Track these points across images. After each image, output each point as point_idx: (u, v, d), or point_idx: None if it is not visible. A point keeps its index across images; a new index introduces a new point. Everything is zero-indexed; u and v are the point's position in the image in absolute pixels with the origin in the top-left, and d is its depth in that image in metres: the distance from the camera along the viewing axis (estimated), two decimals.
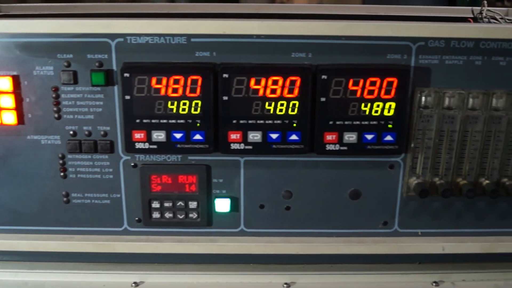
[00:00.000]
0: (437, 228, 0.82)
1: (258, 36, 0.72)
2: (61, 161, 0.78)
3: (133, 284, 0.84)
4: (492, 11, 0.96)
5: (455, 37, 0.74)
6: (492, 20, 0.95)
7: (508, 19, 0.96)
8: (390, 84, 0.73)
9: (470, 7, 0.99)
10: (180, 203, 0.79)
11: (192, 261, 0.87)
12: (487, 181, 0.79)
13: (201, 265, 0.87)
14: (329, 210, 0.81)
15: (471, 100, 0.76)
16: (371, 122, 0.75)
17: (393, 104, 0.74)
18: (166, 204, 0.79)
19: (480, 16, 0.99)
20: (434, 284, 0.86)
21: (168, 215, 0.80)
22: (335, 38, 0.73)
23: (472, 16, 1.00)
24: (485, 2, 0.96)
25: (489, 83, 0.76)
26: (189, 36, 0.73)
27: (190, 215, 0.80)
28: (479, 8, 0.96)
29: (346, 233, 0.82)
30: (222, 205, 0.79)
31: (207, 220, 0.80)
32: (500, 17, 0.97)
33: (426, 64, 0.74)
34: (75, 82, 0.74)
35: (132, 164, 0.78)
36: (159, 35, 0.72)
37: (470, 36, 0.73)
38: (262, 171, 0.78)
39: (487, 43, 0.74)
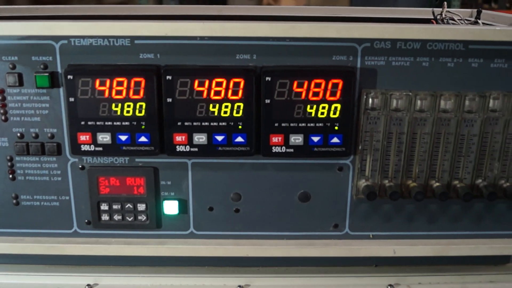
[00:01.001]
0: (389, 231, 0.81)
1: (202, 38, 0.72)
2: (9, 163, 0.78)
3: (87, 286, 0.84)
4: (451, 13, 0.96)
5: (401, 38, 0.73)
6: (450, 21, 0.95)
7: (467, 20, 0.96)
8: (335, 85, 0.73)
9: (432, 9, 0.98)
10: (129, 205, 0.79)
11: (147, 264, 0.87)
12: (437, 184, 0.78)
13: (156, 268, 0.87)
14: (279, 212, 0.80)
15: (418, 102, 0.75)
16: (317, 124, 0.74)
17: (339, 106, 0.74)
18: (115, 207, 0.79)
19: (441, 18, 0.98)
20: (389, 287, 0.85)
21: (117, 217, 0.80)
22: (280, 39, 0.72)
23: (433, 17, 0.99)
24: (445, 3, 0.96)
25: (437, 85, 0.75)
26: (132, 38, 0.72)
27: (139, 218, 0.79)
28: (440, 9, 0.96)
29: (297, 235, 0.81)
30: (170, 207, 0.79)
31: (156, 222, 0.80)
32: (459, 18, 0.96)
33: (373, 66, 0.74)
34: (21, 84, 0.74)
35: (80, 166, 0.78)
36: (103, 37, 0.72)
37: (415, 37, 0.73)
38: (210, 173, 0.78)
39: (434, 44, 0.73)
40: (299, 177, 0.78)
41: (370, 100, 0.75)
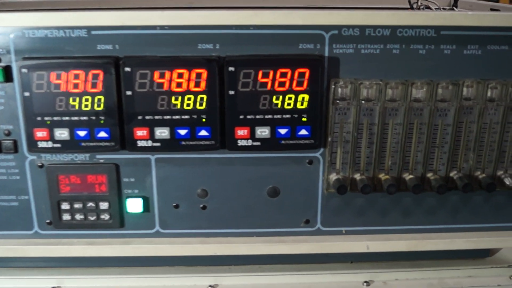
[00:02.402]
0: (362, 226, 0.78)
1: (162, 27, 0.69)
2: None
3: None
4: (428, 1, 0.93)
5: (370, 25, 0.70)
6: (426, 10, 0.92)
7: (443, 8, 0.93)
8: (302, 75, 0.70)
9: None
10: (91, 204, 0.76)
11: (113, 264, 0.83)
12: (410, 176, 0.75)
13: (123, 268, 0.84)
14: (247, 208, 0.77)
15: (389, 91, 0.72)
16: (284, 116, 0.71)
17: (306, 97, 0.70)
18: (76, 206, 0.76)
19: (417, 6, 0.96)
20: (365, 284, 0.82)
21: (79, 216, 0.76)
22: (243, 27, 0.69)
23: (409, 6, 0.97)
24: None
25: (409, 73, 0.72)
26: (89, 29, 0.69)
27: (102, 217, 0.76)
28: None
29: (266, 232, 0.78)
30: (134, 205, 0.76)
31: (120, 221, 0.77)
32: (436, 7, 0.93)
33: (341, 54, 0.71)
34: None
35: (39, 164, 0.74)
36: (58, 28, 0.69)
37: (385, 23, 0.70)
38: (175, 169, 0.75)
39: (405, 30, 0.71)
40: (267, 172, 0.75)
41: (339, 89, 0.72)
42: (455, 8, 0.94)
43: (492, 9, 0.92)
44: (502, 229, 0.80)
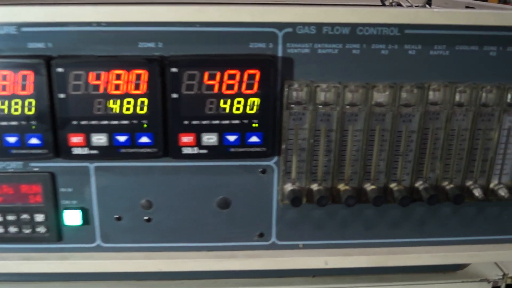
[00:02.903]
0: (321, 240, 0.73)
1: (99, 24, 0.62)
2: None
3: None
4: None
5: (327, 22, 0.64)
6: (397, 7, 0.86)
7: (416, 6, 0.87)
8: (252, 77, 0.64)
9: None
10: (25, 216, 0.69)
11: (54, 278, 0.77)
12: (372, 187, 0.70)
13: (65, 283, 0.77)
14: (196, 221, 0.71)
15: (349, 95, 0.66)
16: (233, 121, 0.65)
17: (257, 100, 0.64)
18: (10, 218, 0.69)
19: (389, 3, 0.90)
20: None
21: (12, 229, 0.70)
22: (188, 25, 0.63)
23: (380, 3, 0.91)
24: None
25: (370, 75, 0.66)
26: (19, 25, 0.62)
27: (38, 229, 0.70)
28: None
29: (217, 246, 0.72)
30: (72, 217, 0.70)
31: (57, 234, 0.70)
32: (408, 5, 0.88)
33: (296, 54, 0.65)
34: None
35: None
36: None
37: (343, 20, 0.64)
38: (116, 179, 0.69)
39: (365, 29, 0.65)
40: (217, 181, 0.69)
41: (294, 93, 0.66)
42: (428, 5, 0.88)
43: (467, 7, 0.86)
44: (472, 243, 0.75)
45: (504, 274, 0.82)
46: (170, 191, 0.69)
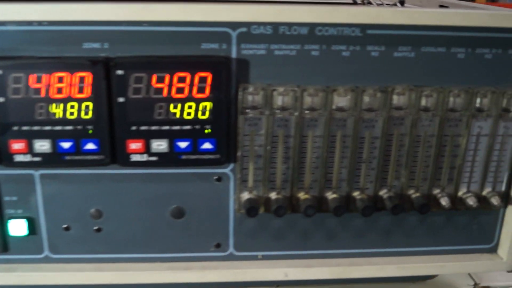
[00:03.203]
0: (280, 250, 0.69)
1: (40, 23, 0.58)
2: None
3: None
4: None
5: (284, 22, 0.60)
6: (367, 5, 0.82)
7: (387, 4, 0.83)
8: (203, 80, 0.60)
9: None
10: None
11: None
12: (334, 195, 0.66)
13: None
14: (149, 231, 0.67)
15: (308, 99, 0.63)
16: (184, 127, 0.61)
17: (209, 105, 0.61)
18: None
19: (361, 2, 0.86)
20: None
21: None
22: (135, 24, 0.59)
23: (352, 2, 0.87)
24: None
25: (330, 78, 0.62)
26: None
27: None
28: None
29: (172, 258, 0.68)
30: (17, 227, 0.66)
31: (2, 245, 0.66)
32: (379, 2, 0.84)
33: (251, 55, 0.61)
34: None
35: None
36: None
37: (301, 20, 0.60)
38: (63, 187, 0.65)
39: (325, 29, 0.61)
40: (170, 190, 0.66)
41: (249, 97, 0.62)
42: (400, 4, 0.84)
43: (441, 6, 0.83)
44: (439, 253, 0.71)
45: (475, 284, 0.79)
46: (120, 200, 0.66)
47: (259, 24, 0.60)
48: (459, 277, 0.79)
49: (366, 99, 0.63)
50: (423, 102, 0.64)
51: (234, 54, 0.61)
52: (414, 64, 0.63)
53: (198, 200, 0.66)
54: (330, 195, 0.66)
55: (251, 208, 0.63)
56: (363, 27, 0.61)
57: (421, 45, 0.62)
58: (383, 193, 0.67)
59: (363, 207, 0.65)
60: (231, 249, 0.69)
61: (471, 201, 0.67)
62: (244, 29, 0.60)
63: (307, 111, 0.63)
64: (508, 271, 0.76)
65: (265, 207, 0.66)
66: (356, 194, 0.67)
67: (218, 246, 0.69)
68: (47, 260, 0.68)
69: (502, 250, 0.72)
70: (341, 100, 0.63)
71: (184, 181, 0.65)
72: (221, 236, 0.68)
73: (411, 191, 0.67)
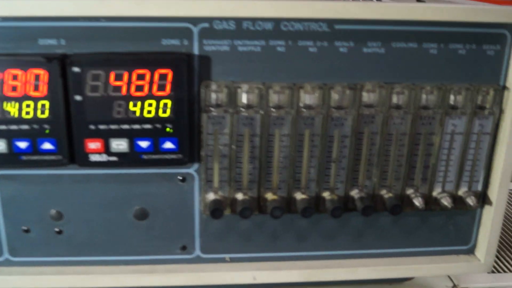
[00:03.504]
0: (249, 253, 0.67)
1: None
2: None
3: None
4: None
5: (248, 17, 0.58)
6: None
7: None
8: (163, 77, 0.57)
9: None
10: None
11: None
12: (302, 196, 0.64)
13: None
14: (112, 233, 0.65)
15: (274, 96, 0.60)
16: (144, 126, 0.59)
17: (170, 103, 0.58)
18: None
19: None
20: None
21: None
22: (92, 19, 0.57)
23: None
24: None
25: (297, 75, 0.60)
26: None
27: None
28: None
29: (136, 260, 0.66)
30: None
31: None
32: None
33: (214, 52, 0.59)
34: None
35: None
36: None
37: (265, 15, 0.58)
38: (22, 188, 0.63)
39: (291, 24, 0.58)
40: (132, 191, 0.63)
41: (213, 94, 0.59)
42: None
43: (418, 0, 0.80)
44: (414, 255, 0.69)
45: (454, 285, 0.77)
46: (81, 201, 0.63)
47: (222, 19, 0.58)
48: (437, 278, 0.77)
49: (335, 96, 0.61)
50: (395, 99, 0.62)
51: (196, 51, 0.59)
52: (384, 60, 0.61)
53: (162, 201, 0.64)
54: (299, 196, 0.64)
55: (215, 210, 0.61)
56: (331, 22, 0.59)
57: (392, 40, 0.60)
58: (354, 193, 0.65)
59: (333, 208, 0.62)
60: (197, 252, 0.67)
61: (446, 202, 0.65)
62: (206, 25, 0.58)
63: (273, 109, 0.60)
64: (488, 272, 0.74)
65: (231, 209, 0.63)
66: (326, 194, 0.64)
67: (184, 248, 0.66)
68: (7, 263, 0.66)
69: (480, 252, 0.69)
70: (308, 98, 0.60)
71: (147, 182, 0.63)
72: (186, 238, 0.66)
73: (383, 191, 0.65)
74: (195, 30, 0.58)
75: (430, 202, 0.66)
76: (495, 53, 0.62)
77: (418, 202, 0.64)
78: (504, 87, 0.63)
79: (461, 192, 0.66)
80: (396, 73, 0.61)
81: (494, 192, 0.66)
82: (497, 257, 0.83)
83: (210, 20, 0.58)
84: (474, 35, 0.61)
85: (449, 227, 0.69)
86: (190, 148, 0.61)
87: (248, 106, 0.60)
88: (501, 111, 0.64)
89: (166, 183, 0.63)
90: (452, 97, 0.62)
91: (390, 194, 0.65)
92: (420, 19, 0.59)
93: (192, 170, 0.63)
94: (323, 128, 0.61)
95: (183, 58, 0.58)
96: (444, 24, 0.60)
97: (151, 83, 0.58)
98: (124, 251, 0.66)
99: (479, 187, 0.66)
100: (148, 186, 0.63)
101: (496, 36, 0.61)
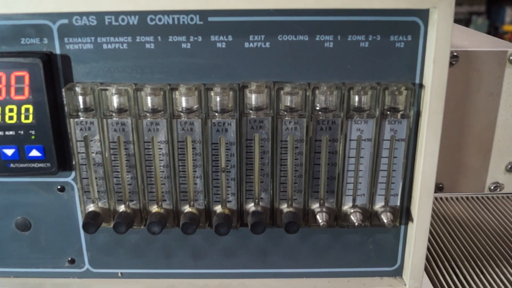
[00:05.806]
0: (141, 268, 0.61)
1: None
2: None
3: None
4: None
5: (109, 11, 0.52)
6: None
7: None
8: (20, 80, 0.53)
9: None
10: None
11: None
12: (190, 209, 0.58)
13: None
14: None
15: (147, 98, 0.54)
16: (7, 133, 0.55)
17: (31, 108, 0.53)
18: None
19: None
20: None
21: None
22: None
23: None
24: None
25: (170, 74, 0.54)
26: None
27: None
28: None
29: (23, 273, 0.62)
30: None
31: None
32: None
33: (76, 51, 0.53)
34: None
35: None
36: None
37: (129, 8, 0.51)
38: None
39: (158, 17, 0.53)
40: (11, 200, 0.60)
41: (79, 98, 0.54)
42: None
43: None
44: (325, 276, 0.61)
45: None
46: None
47: (81, 14, 0.52)
48: None
49: (217, 98, 0.53)
50: (286, 101, 0.53)
51: (57, 50, 0.53)
52: (270, 55, 0.53)
53: (43, 211, 0.60)
54: (187, 209, 0.57)
55: (86, 224, 0.56)
56: (203, 13, 0.52)
57: (277, 33, 0.52)
58: (249, 206, 0.57)
59: (216, 223, 0.55)
60: (87, 266, 0.62)
61: (354, 218, 0.56)
62: (65, 21, 0.52)
63: (147, 113, 0.54)
64: None
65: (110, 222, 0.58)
66: (217, 208, 0.57)
67: (72, 262, 0.62)
68: None
69: (406, 274, 0.60)
70: (184, 100, 0.53)
71: (25, 191, 0.59)
72: (74, 251, 0.61)
73: (283, 205, 0.57)
74: (54, 27, 0.53)
75: (340, 218, 0.57)
76: (405, 45, 0.52)
77: (320, 217, 0.56)
78: (421, 85, 0.53)
79: (378, 207, 0.57)
80: (286, 71, 0.53)
81: (415, 207, 0.56)
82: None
83: (69, 15, 0.52)
84: (379, 24, 0.51)
85: (369, 246, 0.60)
86: (58, 156, 0.55)
87: (120, 110, 0.54)
88: (417, 114, 0.54)
89: (45, 192, 0.59)
90: (356, 98, 0.53)
91: (291, 209, 0.57)
92: (310, 8, 0.51)
93: (69, 179, 0.58)
94: (203, 134, 0.54)
95: (39, 59, 0.52)
96: (340, 12, 0.51)
97: (8, 86, 0.53)
98: (10, 263, 0.62)
99: (398, 202, 0.57)
100: (27, 195, 0.59)
101: (406, 25, 0.52)
